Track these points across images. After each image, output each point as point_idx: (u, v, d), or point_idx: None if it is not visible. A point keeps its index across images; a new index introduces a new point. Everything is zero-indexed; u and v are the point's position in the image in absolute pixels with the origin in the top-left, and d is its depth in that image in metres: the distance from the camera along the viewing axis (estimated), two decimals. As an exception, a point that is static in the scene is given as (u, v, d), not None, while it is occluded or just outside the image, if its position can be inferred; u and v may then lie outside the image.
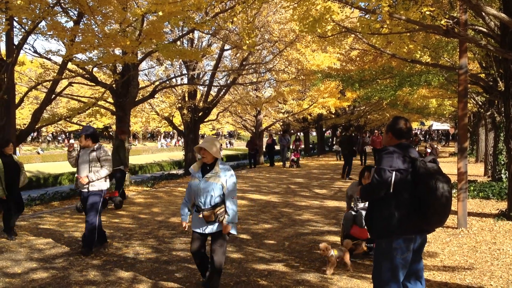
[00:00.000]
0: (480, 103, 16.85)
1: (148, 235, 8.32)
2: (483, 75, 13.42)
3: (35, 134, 57.82)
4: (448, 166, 20.57)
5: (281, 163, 25.01)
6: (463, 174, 8.49)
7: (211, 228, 5.13)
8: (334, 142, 30.39)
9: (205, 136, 72.61)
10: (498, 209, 9.78)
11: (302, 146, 27.53)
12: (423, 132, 64.56)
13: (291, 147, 26.09)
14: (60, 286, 5.61)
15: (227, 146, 66.90)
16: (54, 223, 9.64)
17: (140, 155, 46.75)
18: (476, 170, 19.37)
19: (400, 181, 3.77)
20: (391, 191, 3.78)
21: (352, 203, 7.02)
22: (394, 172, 3.76)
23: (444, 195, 3.70)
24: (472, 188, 12.23)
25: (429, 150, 23.21)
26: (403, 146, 3.92)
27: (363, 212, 6.38)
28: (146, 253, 7.12)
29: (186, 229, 5.38)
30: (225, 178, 5.13)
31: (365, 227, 5.76)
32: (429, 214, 3.72)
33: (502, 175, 13.56)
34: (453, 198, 10.52)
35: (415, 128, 69.50)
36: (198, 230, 5.19)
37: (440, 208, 3.71)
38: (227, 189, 5.11)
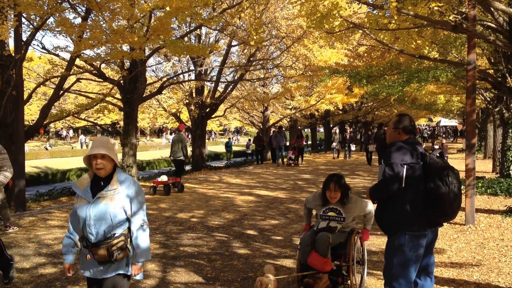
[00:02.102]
0: (489, 99, 16.76)
1: (155, 231, 8.35)
2: (492, 71, 13.35)
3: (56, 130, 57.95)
4: (456, 163, 20.48)
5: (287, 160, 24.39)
6: (471, 170, 8.46)
7: (103, 272, 3.50)
8: (332, 140, 29.07)
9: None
10: (506, 205, 9.73)
11: (304, 143, 26.55)
12: (431, 129, 64.23)
13: (289, 143, 24.53)
14: (68, 281, 5.64)
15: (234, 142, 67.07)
16: (62, 218, 9.70)
17: (148, 151, 46.84)
18: (484, 166, 19.28)
19: (411, 176, 3.79)
20: (403, 185, 3.78)
21: (314, 221, 5.35)
22: (405, 166, 3.78)
23: (457, 187, 3.74)
24: (480, 184, 12.18)
25: (436, 147, 23.13)
26: (411, 142, 3.95)
27: (326, 235, 4.82)
28: (154, 249, 7.14)
29: (70, 274, 3.60)
30: (127, 196, 3.51)
31: (329, 257, 4.75)
32: (444, 207, 3.73)
33: (511, 171, 13.48)
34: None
35: (422, 125, 69.26)
36: (88, 274, 3.56)
37: (453, 200, 3.74)
38: (132, 212, 3.53)
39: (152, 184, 13.55)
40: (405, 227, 3.80)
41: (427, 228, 3.86)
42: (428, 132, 56.02)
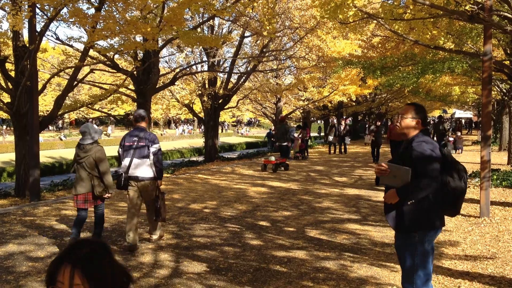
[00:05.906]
0: (504, 90, 16.58)
1: (168, 221, 8.38)
2: (508, 62, 13.17)
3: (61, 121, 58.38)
4: (471, 155, 20.32)
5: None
6: (486, 162, 8.37)
7: None
8: (327, 132, 26.93)
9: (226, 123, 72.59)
10: (521, 198, 9.64)
11: (309, 135, 25.11)
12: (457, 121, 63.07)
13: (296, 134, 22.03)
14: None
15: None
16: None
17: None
18: (499, 158, 19.08)
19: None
20: None
21: None
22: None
23: (467, 181, 3.72)
24: (495, 177, 12.06)
25: (451, 139, 22.94)
26: (428, 133, 3.84)
27: None
28: (167, 239, 7.18)
29: None
30: None
31: None
32: (458, 203, 3.69)
33: (526, 164, 13.34)
34: (476, 187, 10.34)
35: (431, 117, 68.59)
36: None
37: (464, 194, 3.72)
38: None
39: (262, 163, 17.08)
40: (428, 224, 3.69)
41: (443, 223, 3.80)
42: (451, 125, 54.50)
